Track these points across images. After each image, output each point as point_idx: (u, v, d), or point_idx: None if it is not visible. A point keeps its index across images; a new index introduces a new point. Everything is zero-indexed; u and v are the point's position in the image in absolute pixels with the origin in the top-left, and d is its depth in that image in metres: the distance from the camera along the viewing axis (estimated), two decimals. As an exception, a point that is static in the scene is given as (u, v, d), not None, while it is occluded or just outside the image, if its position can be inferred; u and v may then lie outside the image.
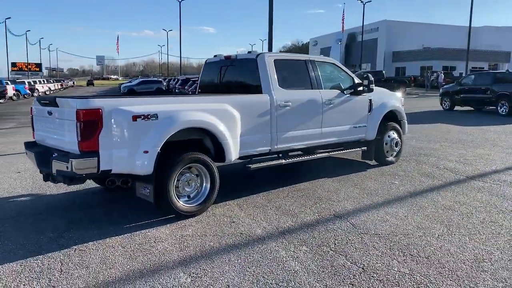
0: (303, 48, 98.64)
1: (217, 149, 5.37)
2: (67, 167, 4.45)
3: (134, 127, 4.59)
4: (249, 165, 5.90)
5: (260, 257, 3.90)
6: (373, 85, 7.03)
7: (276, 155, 6.28)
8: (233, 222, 4.87)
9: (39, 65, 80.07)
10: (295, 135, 6.27)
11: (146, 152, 4.63)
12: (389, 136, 7.75)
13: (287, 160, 6.30)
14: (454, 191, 6.03)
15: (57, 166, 4.60)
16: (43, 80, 54.02)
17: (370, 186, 6.31)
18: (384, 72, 38.15)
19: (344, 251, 4.01)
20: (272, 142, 6.00)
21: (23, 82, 39.53)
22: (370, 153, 7.57)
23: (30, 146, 5.54)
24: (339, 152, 7.17)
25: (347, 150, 7.30)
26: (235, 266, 3.72)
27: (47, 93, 47.16)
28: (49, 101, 5.01)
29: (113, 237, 4.44)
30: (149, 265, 3.77)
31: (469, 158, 8.31)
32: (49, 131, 5.18)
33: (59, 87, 57.34)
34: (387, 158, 7.78)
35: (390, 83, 36.26)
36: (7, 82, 35.17)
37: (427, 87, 39.80)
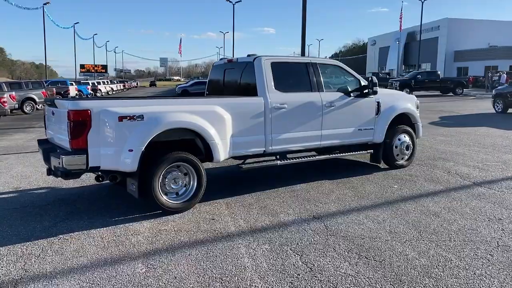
0: (364, 48, 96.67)
1: (206, 149, 5.60)
2: (59, 163, 4.88)
3: (120, 127, 4.93)
4: (241, 165, 6.11)
5: (219, 253, 4.08)
6: (377, 87, 6.96)
7: (273, 156, 6.42)
8: (213, 219, 5.08)
9: (105, 67, 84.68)
10: (292, 137, 6.36)
11: (131, 150, 4.96)
12: (399, 139, 7.61)
13: (283, 162, 6.42)
14: (450, 197, 5.86)
15: (53, 162, 5.06)
16: (107, 81, 57.16)
17: (366, 190, 6.28)
18: (439, 72, 36.61)
19: (302, 251, 4.10)
20: (266, 143, 6.14)
21: (87, 83, 42.11)
22: (378, 156, 7.48)
23: (42, 143, 6.08)
24: (344, 154, 7.16)
25: (353, 153, 7.29)
26: (191, 260, 3.94)
27: (110, 93, 49.85)
28: (51, 102, 5.48)
29: (98, 229, 4.81)
30: (115, 255, 4.08)
31: (489, 164, 7.96)
32: (54, 129, 5.68)
33: (122, 87, 60.33)
34: (397, 162, 7.64)
35: (446, 84, 34.85)
36: (71, 83, 37.66)
37: (487, 88, 37.70)
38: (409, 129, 7.76)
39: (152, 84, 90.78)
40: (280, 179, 6.93)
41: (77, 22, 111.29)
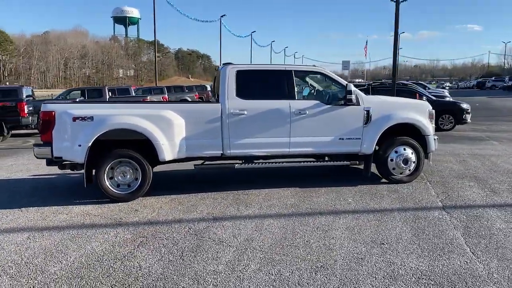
0: None
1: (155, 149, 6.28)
2: (34, 153, 6.22)
3: (73, 126, 6.01)
4: (197, 165, 6.63)
5: (102, 240, 4.72)
6: (352, 95, 6.58)
7: (240, 160, 6.74)
8: (136, 210, 5.76)
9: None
10: (253, 142, 6.56)
11: (79, 145, 5.98)
12: (396, 152, 7.00)
13: (241, 166, 6.70)
14: (393, 218, 5.33)
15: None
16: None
17: (316, 200, 6.10)
18: None
19: (157, 249, 4.51)
20: (224, 147, 6.50)
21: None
22: (367, 167, 7.04)
23: None
24: (322, 163, 7.03)
25: (334, 163, 7.06)
26: (74, 242, 4.66)
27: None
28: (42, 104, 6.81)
29: (49, 207, 5.95)
30: (32, 227, 5.12)
31: (517, 188, 6.70)
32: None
33: None
34: (394, 176, 7.04)
35: None
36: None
37: None
38: (412, 141, 7.06)
39: None
40: (244, 183, 7.08)
41: (254, 31, 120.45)
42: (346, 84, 6.69)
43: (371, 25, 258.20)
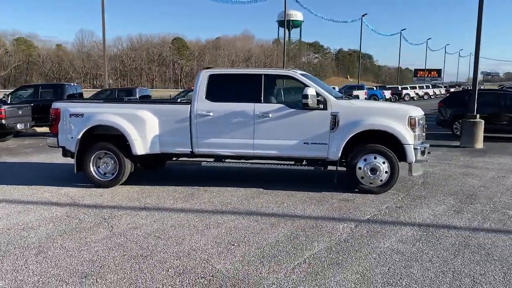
0: None
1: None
2: (46, 142, 7.77)
3: (70, 121, 7.32)
4: (173, 159, 7.38)
5: (65, 218, 5.89)
6: (308, 100, 6.47)
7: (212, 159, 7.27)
8: (101, 195, 6.77)
9: (439, 71, 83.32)
10: (219, 142, 7.01)
11: (72, 138, 7.27)
12: (365, 160, 6.63)
13: (209, 164, 7.21)
14: (289, 226, 5.28)
15: (49, 142, 7.92)
16: (430, 86, 57.01)
17: (254, 201, 6.26)
18: None
19: (62, 223, 5.45)
20: (192, 145, 7.11)
21: (384, 87, 44.19)
22: (334, 175, 6.82)
23: None
24: (286, 165, 7.07)
25: (297, 167, 7.04)
26: (27, 213, 5.96)
27: (415, 98, 49.90)
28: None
29: (45, 186, 7.33)
30: (29, 199, 6.55)
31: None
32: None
33: (439, 93, 56.81)
34: (363, 186, 6.67)
35: None
36: (375, 88, 41.05)
37: None
38: (385, 149, 6.59)
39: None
40: (217, 181, 7.51)
41: (404, 29, 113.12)
42: (304, 88, 6.61)
43: None
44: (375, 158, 6.61)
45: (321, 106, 6.70)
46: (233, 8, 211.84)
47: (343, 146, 6.63)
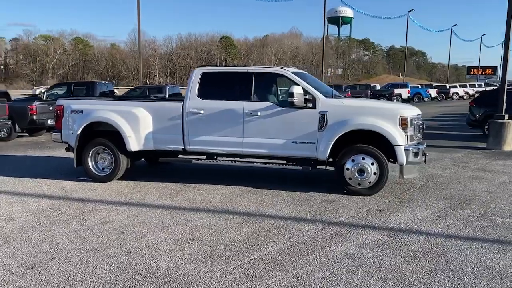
0: None
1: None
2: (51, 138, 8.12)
3: (71, 117, 7.61)
4: (163, 158, 7.49)
5: (48, 210, 6.19)
6: (294, 98, 6.34)
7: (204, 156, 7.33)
8: (94, 190, 6.99)
9: (494, 69, 78.90)
10: (210, 140, 7.04)
11: (72, 133, 7.56)
12: (353, 161, 6.43)
13: (199, 161, 7.27)
14: (253, 223, 5.22)
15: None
16: (481, 84, 54.33)
17: (236, 200, 6.24)
18: None
19: (41, 215, 5.68)
20: (185, 142, 7.19)
21: (430, 86, 42.53)
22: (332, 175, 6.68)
23: None
24: (275, 164, 7.00)
25: (287, 166, 6.94)
26: (17, 203, 6.28)
27: (464, 98, 47.64)
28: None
29: (47, 179, 7.68)
30: (32, 191, 6.91)
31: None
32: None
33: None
34: (351, 187, 6.47)
35: None
36: (421, 86, 39.73)
37: None
38: (373, 149, 6.36)
39: None
40: (204, 178, 7.56)
41: (455, 25, 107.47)
42: (291, 86, 6.49)
43: None
44: (363, 159, 6.40)
45: (310, 104, 6.57)
46: (281, 6, 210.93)
47: (331, 146, 6.46)
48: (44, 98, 15.83)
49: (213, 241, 4.62)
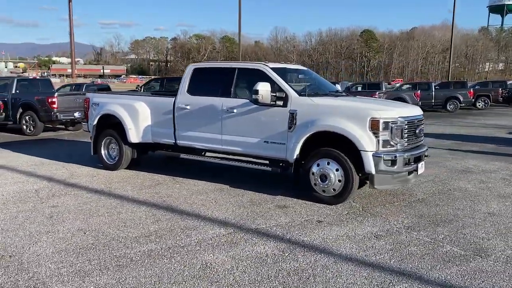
0: None
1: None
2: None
3: (92, 109, 8.41)
4: (155, 151, 7.82)
5: (32, 191, 7.08)
6: (258, 95, 5.99)
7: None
8: (94, 176, 7.62)
9: None
10: (194, 136, 7.11)
11: (90, 124, 8.34)
12: (318, 165, 5.86)
13: (185, 156, 7.38)
14: (179, 222, 5.14)
15: (84, 128, 9.15)
16: None
17: (199, 197, 6.22)
18: None
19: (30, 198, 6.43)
20: (176, 137, 7.39)
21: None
22: (295, 178, 6.25)
23: None
24: (249, 165, 6.74)
25: (258, 167, 6.63)
26: (27, 182, 7.23)
27: None
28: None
29: (68, 163, 8.58)
30: (23, 172, 7.95)
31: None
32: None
33: None
34: (316, 194, 5.90)
35: None
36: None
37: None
38: (338, 154, 5.70)
39: None
40: (195, 173, 7.53)
41: None
42: (258, 83, 6.13)
43: None
44: (328, 164, 5.78)
45: (280, 103, 6.17)
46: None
47: (298, 147, 5.98)
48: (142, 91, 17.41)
49: (109, 233, 4.72)
